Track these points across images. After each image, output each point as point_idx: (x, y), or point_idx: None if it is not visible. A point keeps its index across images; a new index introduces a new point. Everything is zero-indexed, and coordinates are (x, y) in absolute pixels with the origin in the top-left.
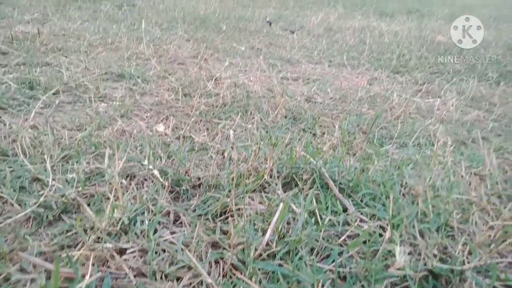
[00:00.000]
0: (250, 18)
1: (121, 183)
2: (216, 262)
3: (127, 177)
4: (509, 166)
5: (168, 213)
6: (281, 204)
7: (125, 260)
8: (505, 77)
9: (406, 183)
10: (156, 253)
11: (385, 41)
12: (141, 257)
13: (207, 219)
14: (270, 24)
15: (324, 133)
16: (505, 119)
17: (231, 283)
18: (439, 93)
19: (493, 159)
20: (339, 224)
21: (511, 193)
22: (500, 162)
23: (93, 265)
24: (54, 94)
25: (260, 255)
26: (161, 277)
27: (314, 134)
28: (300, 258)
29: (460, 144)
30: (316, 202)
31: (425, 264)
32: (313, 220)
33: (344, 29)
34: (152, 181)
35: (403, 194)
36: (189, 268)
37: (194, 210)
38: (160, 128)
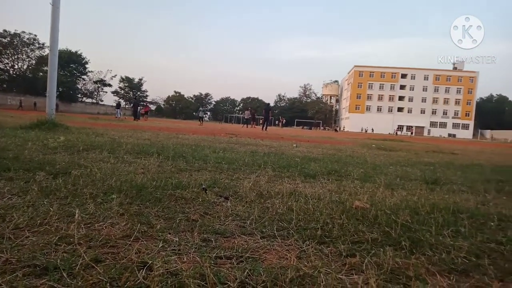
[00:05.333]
0: (187, 185)
1: None
2: None
3: None
4: None
5: None
6: None
7: None
8: (417, 245)
9: None
10: None
11: (310, 207)
12: None
13: None
14: (206, 191)
15: None
16: None
17: None
18: (362, 267)
19: None
20: None
21: None
22: None
23: None
24: None
25: None
26: None
27: None
28: None
29: None
30: None
31: None
32: None
33: (273, 195)
34: None
35: None
36: None
37: None
38: None
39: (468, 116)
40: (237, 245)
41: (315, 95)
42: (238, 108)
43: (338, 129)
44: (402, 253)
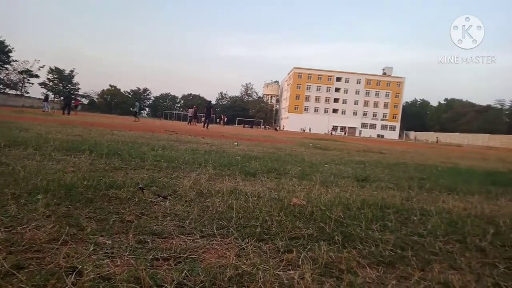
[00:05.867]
0: (122, 184)
1: None
2: None
3: None
4: None
5: None
6: None
7: None
8: (348, 239)
9: None
10: None
11: (250, 205)
12: None
13: None
14: (143, 190)
15: None
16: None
17: None
18: (298, 262)
19: None
20: None
21: None
22: None
23: None
24: None
25: None
26: None
27: None
28: None
29: None
30: None
31: None
32: None
33: (214, 193)
34: None
35: None
36: None
37: None
38: None
39: (395, 118)
40: (175, 246)
41: (257, 94)
42: (179, 105)
43: (278, 128)
44: (335, 247)
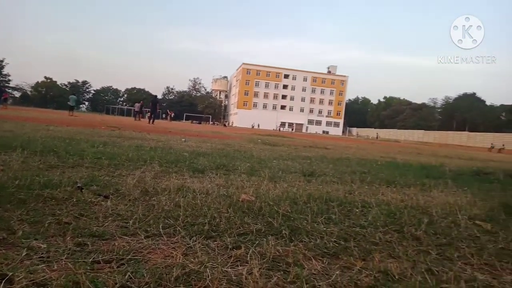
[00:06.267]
0: (58, 183)
1: None
2: None
3: None
4: None
5: None
6: None
7: None
8: (295, 232)
9: None
10: None
11: (198, 203)
12: None
13: None
14: (81, 189)
15: None
16: (298, 280)
17: None
18: (246, 258)
19: None
20: None
21: None
22: None
23: None
24: None
25: None
26: None
27: None
28: None
29: None
30: None
31: None
32: None
33: (160, 191)
34: None
35: None
36: None
37: None
38: None
39: (339, 115)
40: (117, 247)
41: (205, 89)
42: (122, 99)
43: (227, 124)
44: (283, 241)
